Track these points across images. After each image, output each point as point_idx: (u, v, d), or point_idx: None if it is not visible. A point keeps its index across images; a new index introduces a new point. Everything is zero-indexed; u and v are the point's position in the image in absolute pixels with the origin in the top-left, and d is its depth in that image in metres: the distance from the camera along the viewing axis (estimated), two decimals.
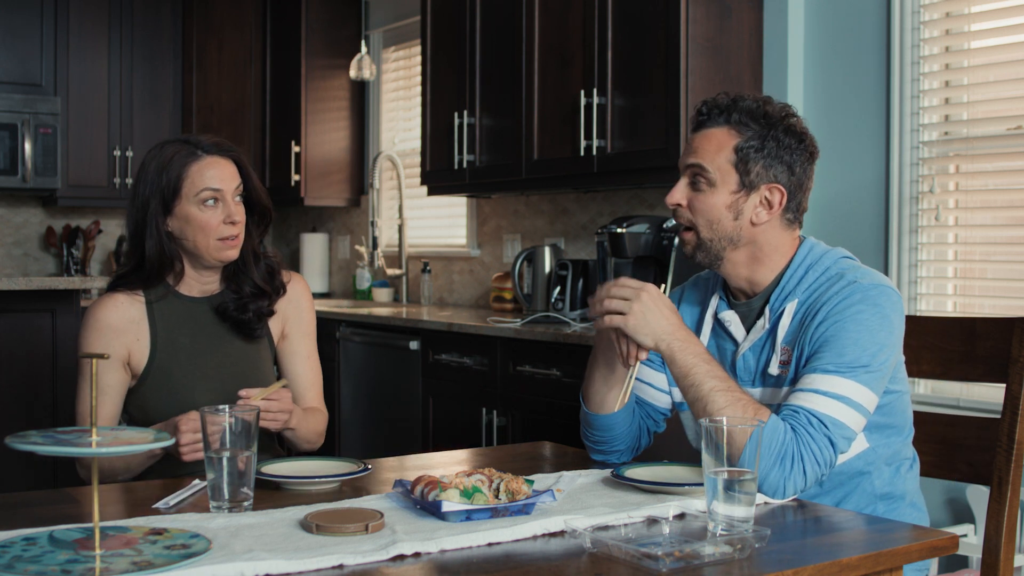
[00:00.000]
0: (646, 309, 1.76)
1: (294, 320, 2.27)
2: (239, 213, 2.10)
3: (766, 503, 1.63)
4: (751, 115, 1.82)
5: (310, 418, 2.19)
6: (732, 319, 1.90)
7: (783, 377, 1.80)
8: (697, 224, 1.84)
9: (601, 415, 1.92)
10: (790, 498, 1.65)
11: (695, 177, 1.84)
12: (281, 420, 2.02)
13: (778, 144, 1.81)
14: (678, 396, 1.97)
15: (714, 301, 1.94)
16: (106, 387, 2.09)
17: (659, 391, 2.00)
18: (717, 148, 1.82)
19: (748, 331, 1.87)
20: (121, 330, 2.10)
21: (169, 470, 2.11)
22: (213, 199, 2.07)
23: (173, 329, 2.14)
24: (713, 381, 1.70)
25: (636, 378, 2.00)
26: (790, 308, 1.81)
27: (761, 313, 1.86)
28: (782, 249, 1.86)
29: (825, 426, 1.66)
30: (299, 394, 2.24)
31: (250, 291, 2.18)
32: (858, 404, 1.68)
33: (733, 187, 1.81)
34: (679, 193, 1.85)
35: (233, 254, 2.12)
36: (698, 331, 1.96)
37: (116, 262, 5.71)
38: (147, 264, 2.10)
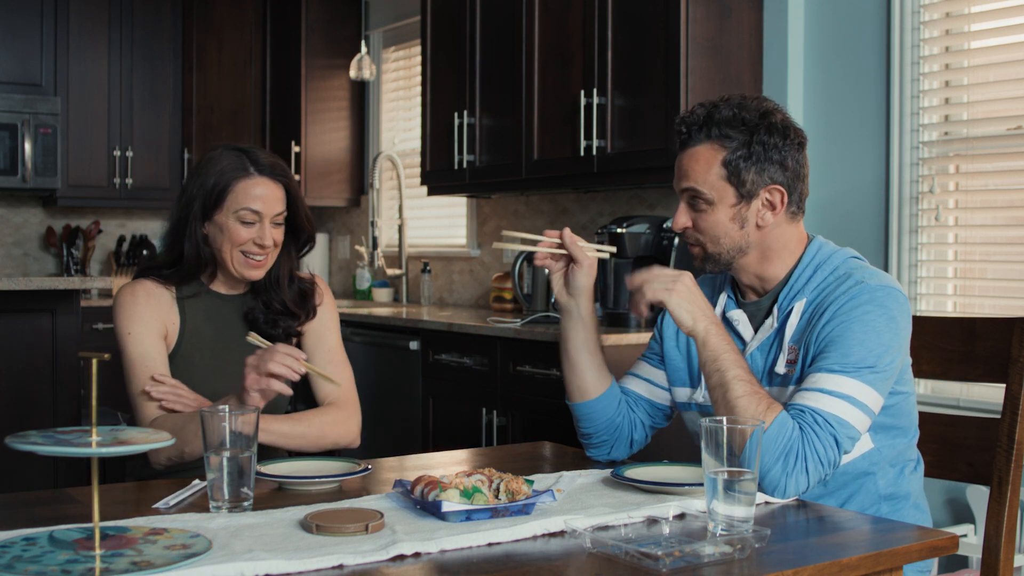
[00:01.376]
0: (688, 290, 1.78)
1: (314, 330, 2.26)
2: (271, 238, 2.11)
3: (767, 503, 1.63)
4: (730, 125, 1.81)
5: (316, 420, 2.11)
6: (740, 318, 1.90)
7: (789, 376, 1.80)
8: (704, 241, 1.86)
9: (583, 403, 1.96)
10: (791, 498, 1.65)
11: (692, 199, 1.84)
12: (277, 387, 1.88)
13: (764, 146, 1.80)
14: (681, 396, 1.98)
15: (722, 300, 1.95)
16: (153, 355, 2.08)
17: (658, 387, 2.01)
18: (706, 166, 1.81)
19: (756, 330, 1.88)
20: (157, 307, 2.13)
21: (169, 470, 2.11)
22: (251, 219, 2.09)
23: (200, 321, 2.17)
24: (738, 370, 1.71)
25: (635, 375, 2.02)
26: (798, 307, 1.82)
27: (769, 312, 1.86)
28: (790, 245, 1.86)
29: (831, 425, 1.66)
30: (332, 397, 2.19)
31: (279, 308, 2.19)
32: (863, 404, 1.68)
33: (732, 200, 1.82)
34: (682, 217, 1.86)
35: (256, 274, 2.14)
36: None
37: (116, 262, 5.71)
38: (185, 263, 2.14)
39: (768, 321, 1.85)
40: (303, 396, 2.30)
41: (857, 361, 1.70)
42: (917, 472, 1.89)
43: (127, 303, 2.12)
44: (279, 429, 2.02)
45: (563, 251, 1.92)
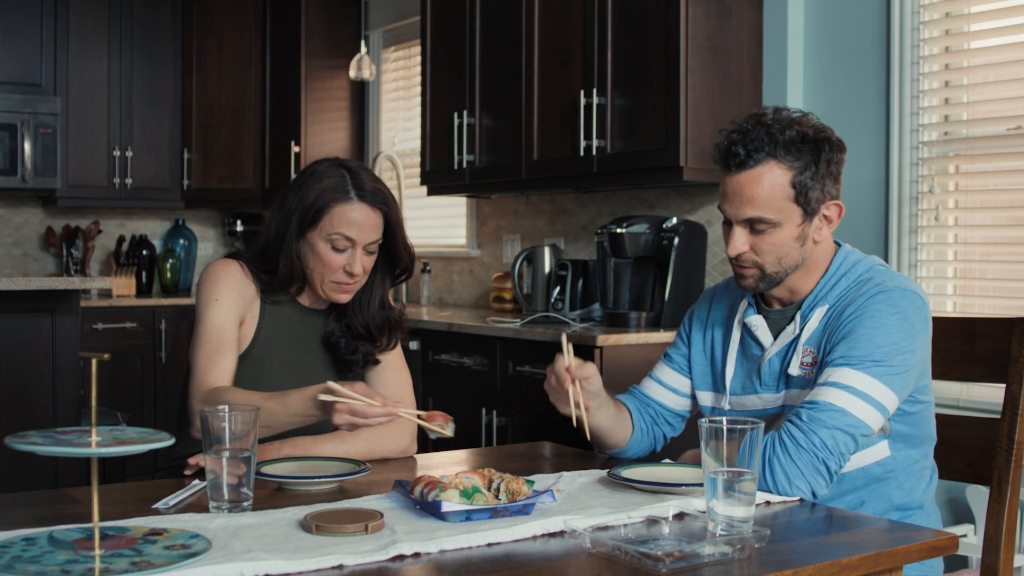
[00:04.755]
0: None
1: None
2: (360, 266, 2.03)
3: (767, 503, 1.63)
4: (795, 144, 1.77)
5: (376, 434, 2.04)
6: (759, 324, 1.89)
7: (804, 378, 1.80)
8: (764, 263, 1.81)
9: (621, 449, 1.99)
10: (802, 495, 1.66)
11: (754, 223, 1.79)
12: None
13: (828, 163, 1.79)
14: (706, 400, 2.00)
15: (743, 306, 1.94)
16: (231, 328, 2.01)
17: (682, 396, 2.03)
18: (771, 189, 1.77)
19: (776, 336, 1.87)
20: (244, 293, 2.06)
21: (169, 471, 2.11)
22: (343, 245, 2.02)
23: (277, 329, 2.11)
24: None
25: (661, 383, 2.05)
26: (819, 313, 1.82)
27: (792, 319, 1.86)
28: (827, 256, 1.86)
29: (821, 412, 1.66)
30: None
31: (361, 332, 2.12)
32: (866, 395, 1.68)
33: (798, 220, 1.79)
34: (740, 242, 1.81)
35: (343, 298, 2.07)
36: (727, 335, 1.96)
37: (116, 262, 5.70)
38: (278, 277, 2.07)
39: (790, 327, 1.85)
40: None
41: (863, 355, 1.70)
42: (932, 483, 1.89)
43: (223, 273, 2.04)
44: (323, 451, 1.95)
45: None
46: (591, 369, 1.82)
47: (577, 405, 1.77)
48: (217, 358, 1.97)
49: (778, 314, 1.89)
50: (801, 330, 1.83)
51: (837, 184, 1.83)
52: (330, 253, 2.02)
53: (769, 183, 1.77)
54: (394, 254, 2.12)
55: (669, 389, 2.03)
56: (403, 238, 2.11)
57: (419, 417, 1.77)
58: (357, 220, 2.01)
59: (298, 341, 2.13)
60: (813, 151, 1.78)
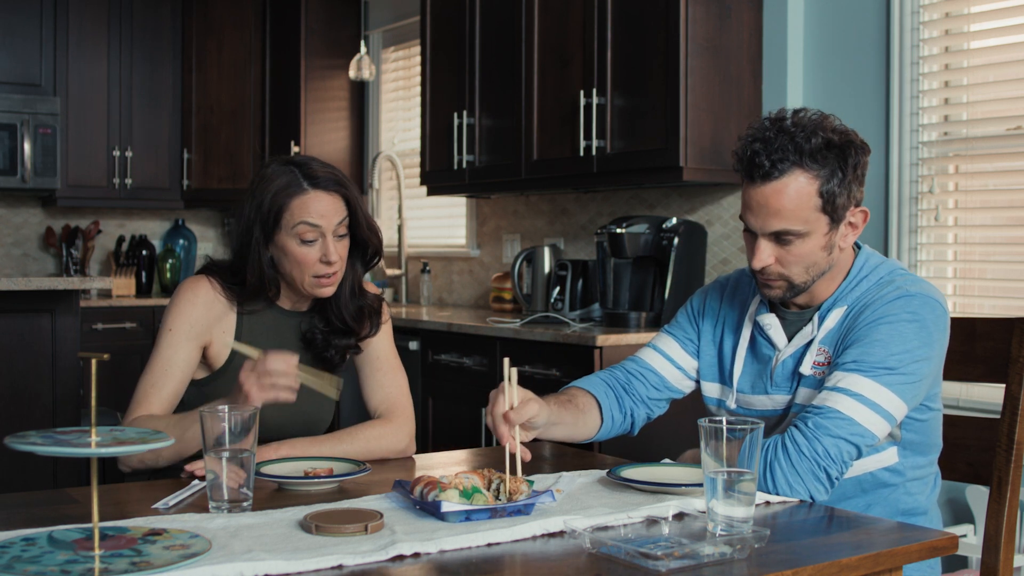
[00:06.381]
0: None
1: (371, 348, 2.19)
2: (336, 252, 2.01)
3: (767, 503, 1.63)
4: (820, 152, 1.72)
5: (360, 435, 2.05)
6: (772, 323, 1.87)
7: (816, 379, 1.79)
8: (791, 274, 1.78)
9: (592, 438, 1.98)
10: (802, 499, 1.66)
11: (781, 235, 1.75)
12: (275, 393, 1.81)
13: (854, 168, 1.75)
14: (711, 391, 1.97)
15: (755, 303, 1.91)
16: (178, 362, 2.02)
17: (682, 372, 2.00)
18: (797, 200, 1.72)
19: (791, 338, 1.85)
20: (212, 313, 2.06)
21: (170, 471, 2.11)
22: (312, 236, 2.00)
23: (256, 336, 2.09)
24: None
25: (666, 356, 2.01)
26: (837, 313, 1.80)
27: (810, 321, 1.84)
28: (848, 260, 1.84)
29: (828, 419, 1.65)
30: (384, 406, 2.16)
31: (338, 325, 2.11)
32: (874, 403, 1.67)
33: (825, 229, 1.75)
34: (766, 255, 1.76)
35: (328, 292, 2.05)
36: (737, 332, 1.94)
37: (115, 262, 5.71)
38: (248, 287, 2.06)
39: (807, 328, 1.82)
40: (356, 409, 2.27)
41: (876, 361, 1.68)
42: (936, 488, 1.89)
43: (183, 299, 2.05)
44: (322, 451, 1.96)
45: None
46: (532, 409, 1.76)
47: (513, 458, 1.67)
48: (154, 392, 2.00)
49: (795, 316, 1.86)
50: (818, 331, 1.81)
51: (862, 187, 1.78)
52: (301, 249, 2.00)
53: (795, 193, 1.72)
54: (360, 236, 2.09)
55: (674, 365, 2.00)
56: (366, 218, 2.09)
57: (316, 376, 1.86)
58: (318, 208, 1.99)
59: (280, 345, 2.09)
60: (839, 157, 1.73)
